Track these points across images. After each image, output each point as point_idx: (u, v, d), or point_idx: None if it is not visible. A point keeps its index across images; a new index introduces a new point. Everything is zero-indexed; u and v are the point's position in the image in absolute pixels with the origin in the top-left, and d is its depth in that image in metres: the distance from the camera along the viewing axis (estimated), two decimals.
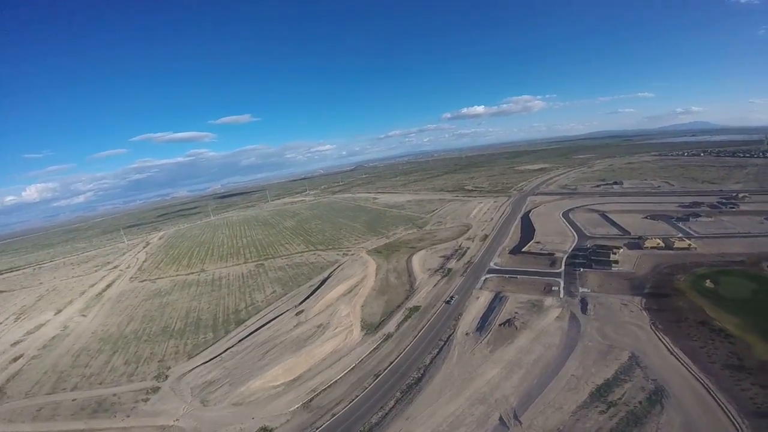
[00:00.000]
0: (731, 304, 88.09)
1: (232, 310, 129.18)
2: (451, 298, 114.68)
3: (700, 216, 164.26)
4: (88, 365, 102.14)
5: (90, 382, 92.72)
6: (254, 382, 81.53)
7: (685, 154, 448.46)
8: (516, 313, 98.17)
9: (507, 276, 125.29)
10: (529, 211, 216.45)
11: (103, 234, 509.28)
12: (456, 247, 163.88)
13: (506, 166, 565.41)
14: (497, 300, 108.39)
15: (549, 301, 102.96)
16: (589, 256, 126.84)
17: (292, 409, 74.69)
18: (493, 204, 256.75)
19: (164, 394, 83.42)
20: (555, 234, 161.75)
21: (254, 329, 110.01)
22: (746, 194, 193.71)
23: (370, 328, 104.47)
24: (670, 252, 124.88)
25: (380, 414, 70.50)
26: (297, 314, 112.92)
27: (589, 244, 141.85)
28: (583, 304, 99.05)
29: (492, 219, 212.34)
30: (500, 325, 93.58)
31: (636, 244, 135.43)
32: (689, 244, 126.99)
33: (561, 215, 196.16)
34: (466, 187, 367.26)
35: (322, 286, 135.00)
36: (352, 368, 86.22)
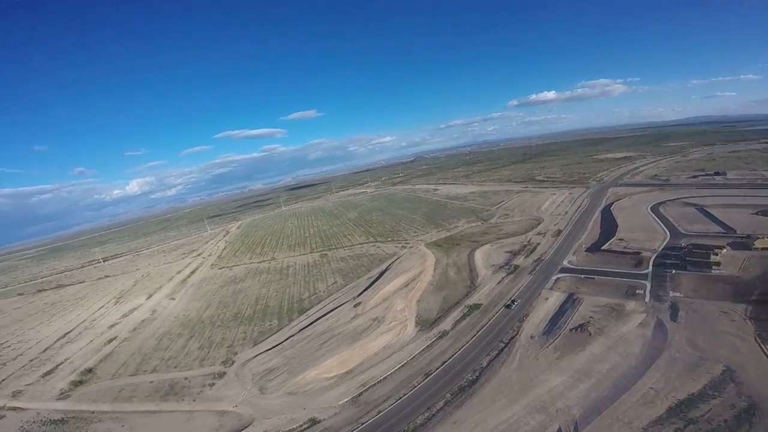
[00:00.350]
0: None
1: (296, 299, 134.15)
2: (513, 301, 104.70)
3: None
4: (168, 348, 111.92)
5: (167, 365, 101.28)
6: (309, 373, 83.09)
7: None
8: (591, 317, 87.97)
9: (582, 276, 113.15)
10: (611, 204, 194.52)
11: (191, 223, 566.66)
12: (524, 243, 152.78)
13: (583, 154, 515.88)
14: (570, 302, 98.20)
15: (631, 305, 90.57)
16: (684, 257, 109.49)
17: (342, 402, 74.74)
18: (567, 196, 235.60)
19: (228, 379, 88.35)
20: (641, 230, 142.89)
21: (315, 319, 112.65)
22: None
23: (425, 324, 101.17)
24: None
25: (426, 415, 67.79)
26: (355, 306, 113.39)
27: (683, 242, 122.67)
28: (674, 310, 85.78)
29: (566, 212, 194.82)
30: (571, 329, 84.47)
31: (743, 243, 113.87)
32: None
33: (649, 209, 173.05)
34: (536, 178, 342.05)
35: (380, 279, 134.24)
36: (403, 365, 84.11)
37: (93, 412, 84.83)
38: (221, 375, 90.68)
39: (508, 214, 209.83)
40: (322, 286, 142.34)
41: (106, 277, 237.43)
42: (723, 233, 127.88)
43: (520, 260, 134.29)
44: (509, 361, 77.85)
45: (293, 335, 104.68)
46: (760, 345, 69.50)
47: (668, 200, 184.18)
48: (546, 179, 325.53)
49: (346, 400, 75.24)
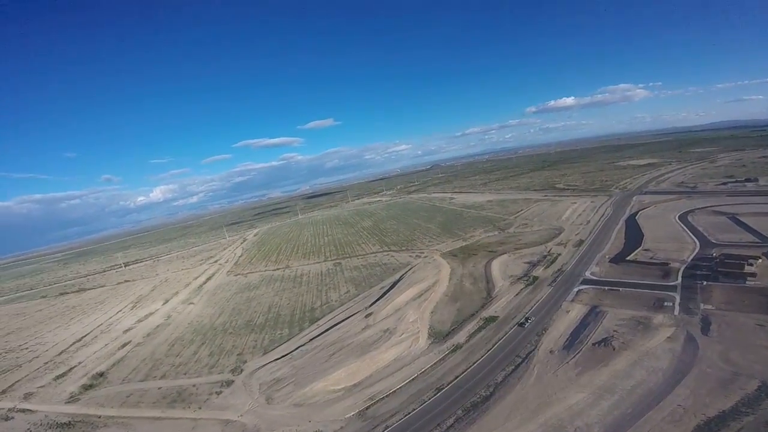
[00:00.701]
0: None
1: (308, 308, 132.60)
2: (527, 318, 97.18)
3: None
4: (179, 354, 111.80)
5: (177, 371, 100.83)
6: (317, 384, 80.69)
7: None
8: (615, 331, 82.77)
9: (606, 288, 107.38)
10: (636, 212, 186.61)
11: (210, 230, 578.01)
12: (544, 253, 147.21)
13: (604, 161, 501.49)
14: (592, 315, 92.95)
15: (659, 318, 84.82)
16: (715, 267, 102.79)
17: (348, 416, 71.99)
18: (590, 204, 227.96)
19: (236, 388, 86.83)
20: (669, 240, 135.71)
21: (325, 329, 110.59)
22: None
23: (437, 336, 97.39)
24: None
25: None
26: (366, 316, 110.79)
27: (714, 252, 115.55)
28: (705, 323, 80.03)
29: (589, 221, 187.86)
30: (594, 344, 79.53)
31: None
32: None
33: (677, 218, 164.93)
34: (556, 186, 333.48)
35: (393, 289, 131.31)
36: (413, 378, 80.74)
37: (100, 417, 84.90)
38: (229, 383, 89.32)
39: (526, 224, 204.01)
40: (335, 295, 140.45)
41: (126, 281, 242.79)
42: (757, 243, 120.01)
43: (539, 271, 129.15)
44: (526, 376, 73.59)
45: (303, 345, 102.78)
46: None
47: (697, 208, 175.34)
48: (566, 187, 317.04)
49: (352, 413, 72.41)
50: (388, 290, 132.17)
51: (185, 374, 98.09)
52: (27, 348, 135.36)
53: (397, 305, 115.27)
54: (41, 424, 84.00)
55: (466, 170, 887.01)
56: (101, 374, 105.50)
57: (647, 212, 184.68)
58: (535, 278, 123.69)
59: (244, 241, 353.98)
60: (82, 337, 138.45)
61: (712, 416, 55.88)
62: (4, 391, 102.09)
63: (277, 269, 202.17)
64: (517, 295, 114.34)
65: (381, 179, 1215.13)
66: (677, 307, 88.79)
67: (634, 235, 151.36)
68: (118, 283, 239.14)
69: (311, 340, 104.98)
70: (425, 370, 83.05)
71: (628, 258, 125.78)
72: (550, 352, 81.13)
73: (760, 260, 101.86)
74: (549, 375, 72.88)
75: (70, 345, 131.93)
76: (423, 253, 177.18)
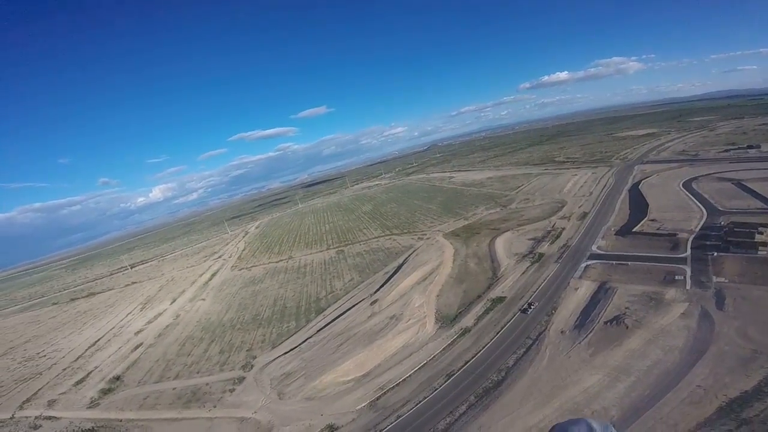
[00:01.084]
0: None
1: (313, 298, 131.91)
2: (530, 304, 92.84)
3: None
4: (190, 353, 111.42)
5: (189, 371, 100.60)
6: (326, 376, 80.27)
7: None
8: (627, 308, 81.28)
9: (614, 262, 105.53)
10: (639, 182, 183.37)
11: (212, 226, 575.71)
12: (548, 228, 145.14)
13: (603, 133, 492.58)
14: (602, 292, 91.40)
15: (671, 293, 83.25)
16: (725, 237, 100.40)
17: (359, 407, 71.54)
18: (591, 176, 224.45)
19: (248, 384, 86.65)
20: (675, 209, 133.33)
21: (332, 319, 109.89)
22: None
23: (445, 320, 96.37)
24: None
25: (448, 420, 63.70)
26: (371, 304, 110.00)
27: (723, 221, 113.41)
28: (719, 297, 78.05)
29: (591, 193, 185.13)
30: (606, 322, 78.21)
31: None
32: None
33: (681, 186, 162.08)
34: (556, 159, 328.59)
35: (396, 274, 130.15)
36: (422, 365, 79.90)
37: (120, 420, 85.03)
38: (241, 380, 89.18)
39: (528, 199, 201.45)
40: (339, 284, 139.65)
41: (133, 283, 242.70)
42: (766, 209, 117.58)
43: (544, 247, 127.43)
44: (538, 359, 72.61)
45: (310, 337, 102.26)
46: None
47: (700, 176, 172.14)
48: (566, 160, 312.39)
49: (363, 404, 71.98)
50: (392, 275, 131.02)
51: (198, 373, 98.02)
52: (45, 355, 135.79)
53: (402, 290, 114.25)
54: (68, 431, 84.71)
55: (463, 149, 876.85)
56: (118, 378, 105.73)
57: (650, 181, 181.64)
58: (541, 255, 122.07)
59: (246, 234, 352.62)
60: (96, 342, 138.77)
61: (733, 397, 54.13)
62: (28, 399, 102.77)
63: (281, 261, 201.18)
64: (523, 273, 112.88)
65: (379, 163, 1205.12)
66: (689, 281, 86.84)
67: (638, 205, 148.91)
68: (126, 285, 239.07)
69: (318, 331, 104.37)
70: (434, 356, 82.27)
71: (634, 230, 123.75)
72: (561, 332, 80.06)
73: None
74: (561, 357, 71.89)
75: (86, 350, 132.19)
76: (425, 234, 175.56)
